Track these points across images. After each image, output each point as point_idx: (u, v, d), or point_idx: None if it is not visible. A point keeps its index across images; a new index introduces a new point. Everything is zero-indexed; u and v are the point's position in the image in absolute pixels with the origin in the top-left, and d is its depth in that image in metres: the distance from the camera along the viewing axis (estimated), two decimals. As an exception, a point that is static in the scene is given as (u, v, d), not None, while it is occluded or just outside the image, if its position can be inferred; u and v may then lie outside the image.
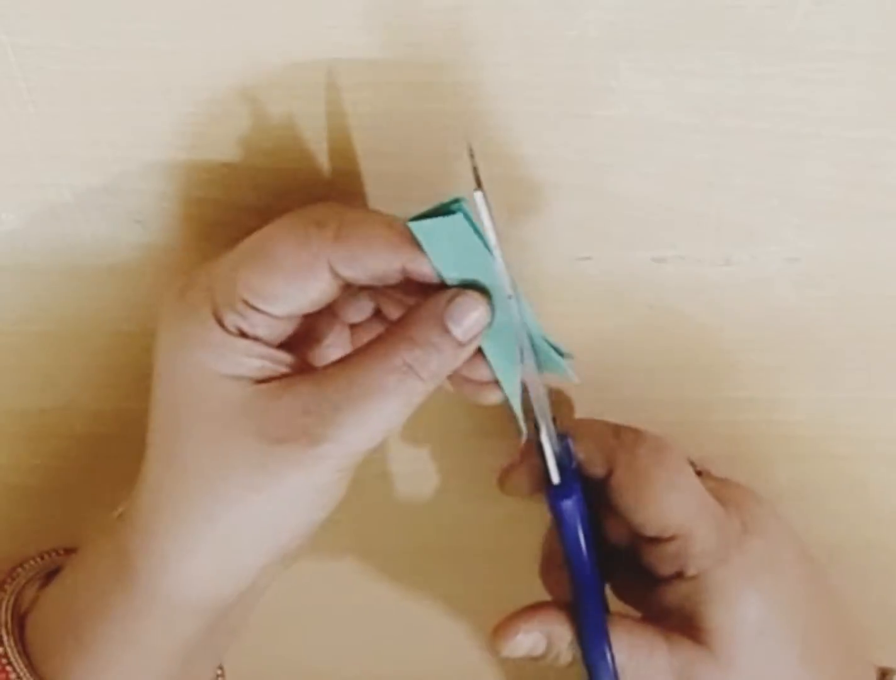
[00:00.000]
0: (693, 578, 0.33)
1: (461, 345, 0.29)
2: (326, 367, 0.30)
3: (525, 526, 0.42)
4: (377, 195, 0.34)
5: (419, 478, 0.43)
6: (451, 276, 0.29)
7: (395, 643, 0.50)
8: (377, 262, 0.28)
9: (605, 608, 0.35)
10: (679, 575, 0.34)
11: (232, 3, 0.31)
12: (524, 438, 0.32)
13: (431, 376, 0.29)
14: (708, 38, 0.31)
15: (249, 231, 0.35)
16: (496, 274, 0.29)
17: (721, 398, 0.40)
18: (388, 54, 0.31)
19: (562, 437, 0.35)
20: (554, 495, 0.34)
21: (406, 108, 0.33)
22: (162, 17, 0.31)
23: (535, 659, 0.34)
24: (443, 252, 0.28)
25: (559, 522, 0.34)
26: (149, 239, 0.35)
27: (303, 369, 0.30)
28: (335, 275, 0.29)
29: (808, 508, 0.42)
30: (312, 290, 0.29)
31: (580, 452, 0.35)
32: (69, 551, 0.38)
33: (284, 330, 0.30)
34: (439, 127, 0.33)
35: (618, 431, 0.35)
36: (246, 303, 0.28)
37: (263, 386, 0.29)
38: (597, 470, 0.35)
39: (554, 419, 0.34)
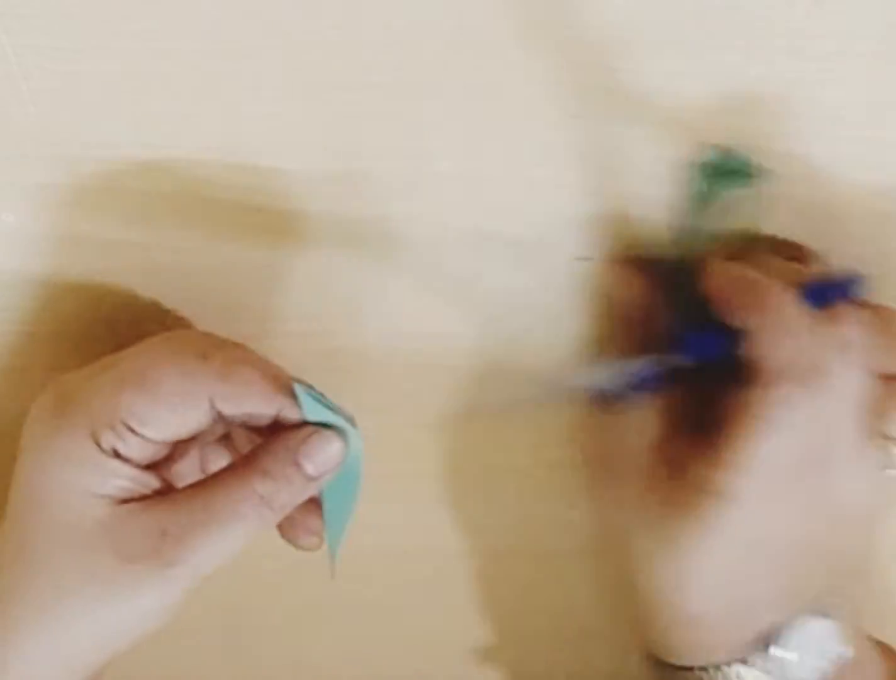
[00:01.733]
0: (754, 390, 0.31)
1: (312, 479, 0.31)
2: (183, 490, 0.31)
3: (525, 526, 0.42)
4: (371, 193, 0.35)
5: (419, 478, 0.43)
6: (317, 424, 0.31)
7: (394, 643, 0.50)
8: (256, 405, 0.30)
9: None
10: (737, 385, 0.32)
11: (232, 4, 0.31)
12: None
13: (281, 507, 0.31)
14: (708, 38, 0.31)
15: (247, 232, 0.35)
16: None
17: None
18: (389, 56, 0.31)
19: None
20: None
21: (407, 108, 0.33)
22: (162, 17, 0.31)
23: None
24: (315, 410, 0.30)
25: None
26: (148, 239, 0.35)
27: (162, 491, 0.31)
28: (213, 408, 0.30)
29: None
30: (192, 420, 0.30)
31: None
32: None
33: (156, 452, 0.31)
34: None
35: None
36: (126, 425, 0.30)
37: (124, 506, 0.30)
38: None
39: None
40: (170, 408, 0.30)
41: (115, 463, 0.30)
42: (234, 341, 0.32)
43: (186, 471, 0.34)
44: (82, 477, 0.30)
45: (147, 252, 0.36)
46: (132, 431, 0.30)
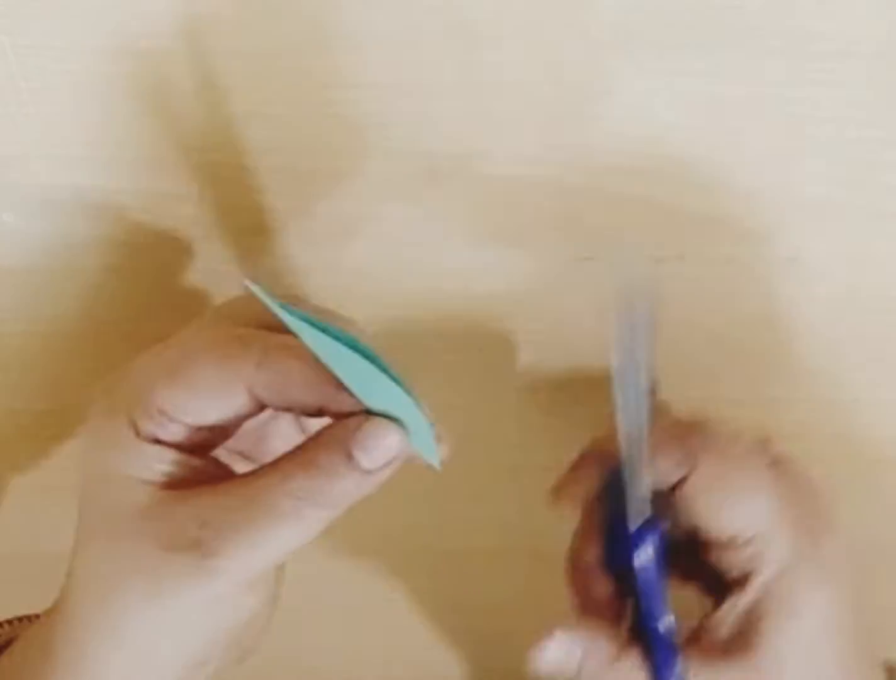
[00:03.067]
0: (757, 586, 0.33)
1: (368, 473, 0.28)
2: (230, 479, 0.29)
3: (525, 526, 0.42)
4: (371, 193, 0.35)
5: (419, 478, 0.43)
6: (374, 405, 0.28)
7: (394, 643, 0.50)
8: (296, 394, 0.28)
9: (678, 650, 0.33)
10: (743, 581, 0.33)
11: (231, 4, 0.31)
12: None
13: (332, 504, 0.28)
14: (708, 38, 0.31)
15: (247, 232, 0.35)
16: (412, 405, 0.28)
17: (721, 398, 0.40)
18: (389, 56, 0.31)
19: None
20: (632, 542, 0.33)
21: (404, 107, 0.33)
22: (161, 17, 0.31)
23: None
24: (360, 383, 0.27)
25: (635, 576, 0.33)
26: (148, 239, 0.35)
27: (212, 474, 0.30)
28: (254, 397, 0.29)
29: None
30: (229, 407, 0.29)
31: (656, 460, 0.33)
32: (23, 619, 0.37)
33: (199, 436, 0.30)
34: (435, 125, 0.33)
35: (690, 430, 0.34)
36: (162, 413, 0.29)
37: (167, 493, 0.29)
38: (670, 476, 0.33)
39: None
40: (205, 396, 0.29)
41: (155, 448, 0.29)
42: (280, 330, 0.29)
43: (250, 447, 0.33)
44: (124, 462, 0.29)
45: (147, 251, 0.36)
46: (169, 418, 0.29)
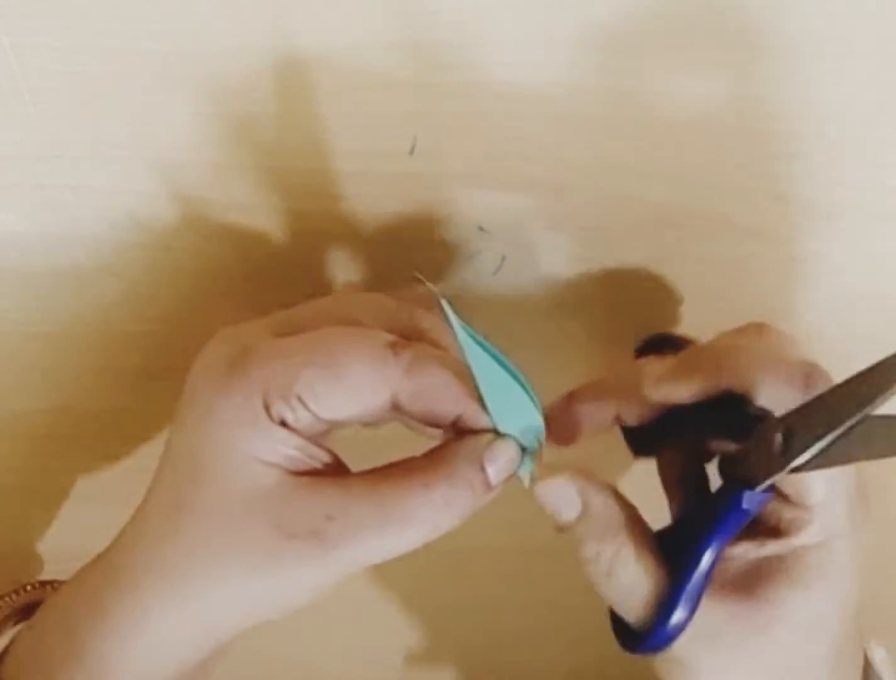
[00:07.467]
0: (791, 544, 0.31)
1: (490, 488, 0.29)
2: (358, 476, 0.30)
3: (525, 526, 0.42)
4: (379, 195, 0.35)
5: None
6: (500, 425, 0.29)
7: (394, 643, 0.50)
8: (440, 406, 0.29)
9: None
10: (777, 532, 0.32)
11: (231, 4, 0.31)
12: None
13: (461, 515, 0.29)
14: (708, 38, 0.31)
15: (249, 232, 0.35)
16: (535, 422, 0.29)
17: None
18: (392, 55, 0.31)
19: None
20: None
21: (410, 108, 0.33)
22: (162, 17, 0.31)
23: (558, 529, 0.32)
24: (498, 402, 0.29)
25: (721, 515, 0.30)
26: (149, 239, 0.35)
27: (335, 467, 0.30)
28: (395, 402, 0.29)
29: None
30: (368, 409, 0.29)
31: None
32: (45, 584, 0.37)
33: (324, 427, 0.30)
34: (442, 127, 0.33)
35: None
36: (300, 400, 0.28)
37: (293, 478, 0.29)
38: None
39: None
40: (350, 394, 0.28)
41: (284, 433, 0.28)
42: (427, 340, 0.30)
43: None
44: (249, 441, 0.28)
45: (147, 251, 0.36)
46: (306, 407, 0.28)
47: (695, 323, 0.38)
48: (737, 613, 0.31)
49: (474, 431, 0.29)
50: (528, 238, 0.36)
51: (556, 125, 0.33)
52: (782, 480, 0.29)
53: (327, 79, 0.32)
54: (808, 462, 0.28)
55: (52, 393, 0.40)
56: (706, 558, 0.30)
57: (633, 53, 0.32)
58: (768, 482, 0.29)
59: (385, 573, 0.47)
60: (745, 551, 0.32)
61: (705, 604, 0.30)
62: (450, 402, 0.29)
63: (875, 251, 0.36)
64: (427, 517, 0.28)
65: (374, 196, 0.35)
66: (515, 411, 0.29)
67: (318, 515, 0.28)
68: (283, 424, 0.29)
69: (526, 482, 0.30)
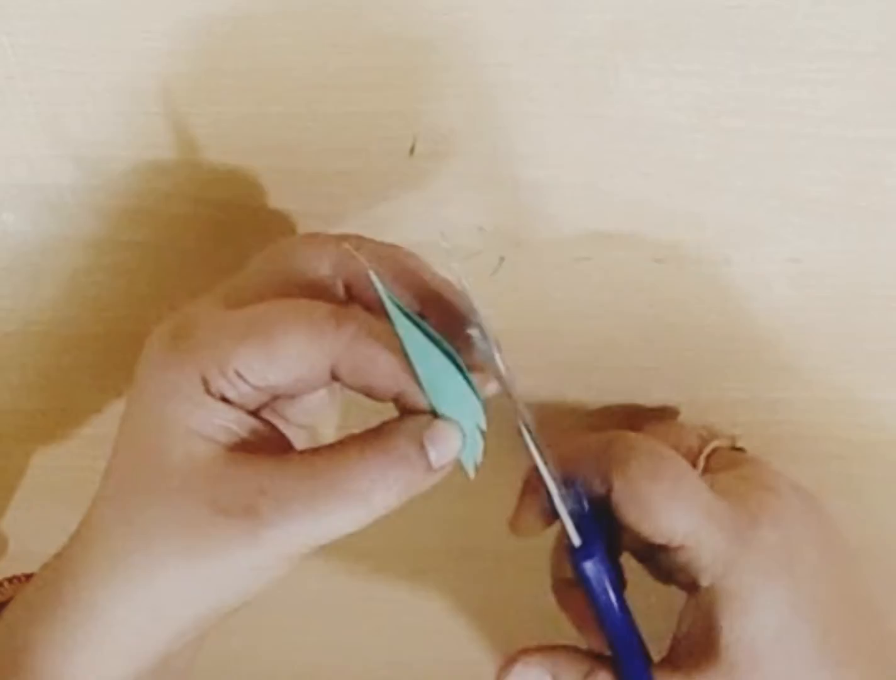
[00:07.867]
0: (707, 588, 0.32)
1: (430, 470, 0.28)
2: (296, 453, 0.29)
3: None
4: (378, 194, 0.35)
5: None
6: (440, 407, 0.28)
7: (395, 643, 0.50)
8: (378, 381, 0.28)
9: (649, 660, 0.33)
10: (695, 586, 0.33)
11: (230, 5, 0.31)
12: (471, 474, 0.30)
13: (399, 492, 0.28)
14: (708, 38, 0.31)
15: (248, 231, 0.35)
16: (475, 407, 0.29)
17: (721, 398, 0.40)
18: (390, 56, 0.31)
19: (569, 482, 0.33)
20: (576, 557, 0.32)
21: (408, 107, 0.33)
22: (162, 17, 0.31)
23: None
24: (435, 384, 0.28)
25: (586, 584, 0.32)
26: (148, 239, 0.35)
27: (271, 441, 0.30)
28: (336, 374, 0.28)
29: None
30: (307, 382, 0.29)
31: (578, 474, 0.33)
32: (28, 577, 0.37)
33: (263, 398, 0.29)
34: (442, 127, 0.33)
35: (610, 443, 0.34)
36: (239, 375, 0.28)
37: (227, 453, 0.28)
38: (598, 489, 0.33)
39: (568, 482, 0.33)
40: (288, 368, 0.28)
41: (222, 406, 0.28)
42: (368, 313, 0.29)
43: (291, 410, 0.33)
44: (185, 413, 0.28)
45: (147, 251, 0.36)
46: (244, 380, 0.28)
47: (695, 323, 0.38)
48: (720, 675, 0.32)
49: (415, 412, 0.28)
50: (528, 238, 0.36)
51: (556, 125, 0.33)
52: (646, 538, 0.32)
53: (327, 78, 0.32)
54: None
55: (52, 393, 0.40)
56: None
57: (633, 53, 0.32)
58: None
59: (385, 573, 0.47)
60: (682, 622, 0.34)
61: None
62: (388, 379, 0.28)
63: (874, 251, 0.36)
64: (361, 491, 0.28)
65: (373, 196, 0.35)
66: (455, 396, 0.28)
67: (252, 489, 0.28)
68: (224, 399, 0.28)
69: (470, 472, 0.29)
